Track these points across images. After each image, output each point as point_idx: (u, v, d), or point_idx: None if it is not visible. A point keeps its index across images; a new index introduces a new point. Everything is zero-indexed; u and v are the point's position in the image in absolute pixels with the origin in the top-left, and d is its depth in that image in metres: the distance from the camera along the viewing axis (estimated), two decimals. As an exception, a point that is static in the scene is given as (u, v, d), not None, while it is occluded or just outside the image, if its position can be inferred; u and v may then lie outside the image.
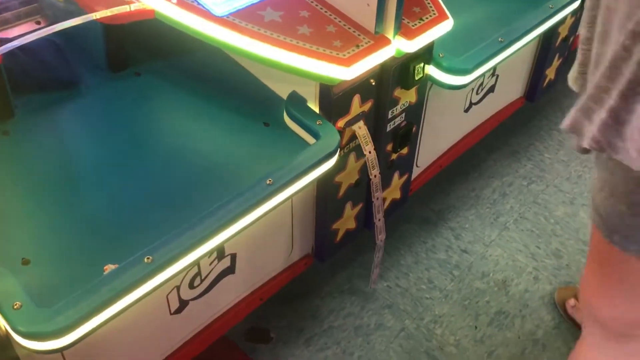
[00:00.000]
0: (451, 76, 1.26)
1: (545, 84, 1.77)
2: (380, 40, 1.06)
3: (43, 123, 1.06)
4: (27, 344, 0.76)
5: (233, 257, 1.16)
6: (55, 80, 1.13)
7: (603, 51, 0.63)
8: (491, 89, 1.63)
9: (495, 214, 1.71)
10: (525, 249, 1.61)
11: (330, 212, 1.29)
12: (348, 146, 1.20)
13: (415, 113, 1.32)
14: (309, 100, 1.11)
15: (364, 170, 1.29)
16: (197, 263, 1.07)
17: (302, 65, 1.01)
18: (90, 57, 1.17)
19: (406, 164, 1.43)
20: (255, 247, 1.20)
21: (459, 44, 1.29)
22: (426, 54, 1.20)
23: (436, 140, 1.54)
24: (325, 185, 1.23)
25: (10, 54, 1.02)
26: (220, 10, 1.04)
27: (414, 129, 1.34)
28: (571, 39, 1.74)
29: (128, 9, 1.04)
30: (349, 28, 1.07)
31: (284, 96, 1.13)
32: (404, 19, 1.10)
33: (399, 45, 1.09)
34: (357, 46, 1.04)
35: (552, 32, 1.59)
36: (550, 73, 1.76)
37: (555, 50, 1.70)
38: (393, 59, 1.12)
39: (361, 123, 1.16)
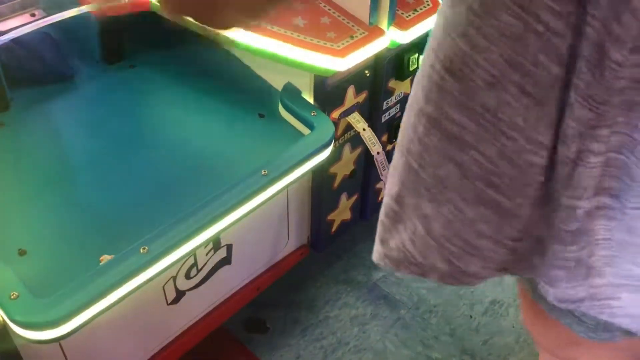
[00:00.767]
0: (445, 67, 1.27)
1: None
2: (374, 32, 1.07)
3: (38, 115, 1.06)
4: (24, 334, 0.77)
5: (229, 247, 1.16)
6: (50, 73, 1.13)
7: None
8: (486, 80, 1.63)
9: (490, 205, 1.72)
10: (520, 239, 1.62)
11: (326, 203, 1.30)
12: (343, 137, 1.21)
13: (409, 104, 1.32)
14: (303, 91, 1.12)
15: (359, 162, 1.30)
16: (193, 254, 1.07)
17: (297, 56, 1.01)
18: (85, 49, 1.17)
19: (401, 155, 1.43)
20: (251, 238, 1.21)
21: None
22: (420, 45, 1.21)
23: (431, 131, 1.54)
24: (320, 176, 1.23)
25: (5, 47, 1.03)
26: (214, 2, 1.04)
27: (408, 120, 1.35)
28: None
29: (123, 1, 1.04)
30: (343, 19, 1.07)
31: (279, 87, 1.13)
32: (398, 10, 1.10)
33: (393, 36, 1.10)
34: (351, 37, 1.05)
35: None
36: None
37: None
38: (387, 50, 1.13)
39: (365, 125, 1.16)
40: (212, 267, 1.15)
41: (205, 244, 0.94)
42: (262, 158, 1.01)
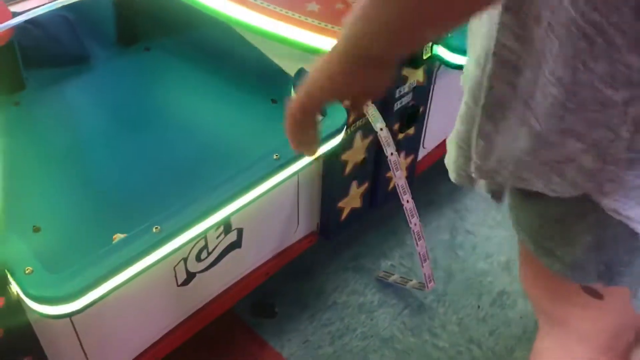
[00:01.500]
0: (459, 56, 1.26)
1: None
2: (388, 18, 1.07)
3: (53, 95, 1.08)
4: (37, 308, 0.78)
5: (239, 231, 1.17)
6: (65, 54, 1.14)
7: None
8: (499, 72, 1.63)
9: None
10: (530, 231, 1.62)
11: (336, 190, 1.31)
12: (355, 125, 1.21)
13: (423, 93, 1.32)
14: (316, 77, 1.12)
15: (370, 149, 1.30)
16: (204, 236, 1.09)
17: (310, 41, 1.02)
18: (101, 31, 1.18)
19: (412, 145, 1.44)
20: (261, 223, 1.22)
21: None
22: (434, 34, 1.21)
23: (443, 121, 1.54)
24: (331, 162, 1.24)
25: (22, 27, 1.04)
26: (229, -14, 1.05)
27: (421, 109, 1.35)
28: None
29: (139, -17, 1.05)
30: (358, 5, 1.07)
31: (292, 73, 1.14)
32: (412, -3, 1.10)
33: (408, 24, 1.10)
34: (366, 23, 1.05)
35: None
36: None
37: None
38: (401, 37, 1.13)
39: (383, 124, 1.16)
40: (223, 251, 1.16)
41: (216, 226, 0.95)
42: (274, 143, 1.02)
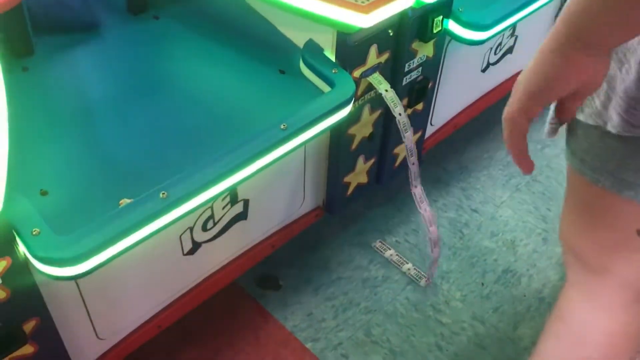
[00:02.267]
0: (470, 31, 1.25)
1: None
2: (399, -11, 1.06)
3: (62, 61, 1.07)
4: (44, 269, 0.79)
5: (246, 202, 1.17)
6: (75, 20, 1.14)
7: None
8: (509, 50, 1.61)
9: (508, 176, 1.71)
10: (536, 211, 1.62)
11: (342, 165, 1.30)
12: (363, 98, 1.21)
13: (432, 68, 1.32)
14: (325, 49, 1.11)
15: (378, 124, 1.30)
16: (211, 204, 1.09)
17: (320, 11, 1.01)
18: (110, -1, 1.17)
19: (420, 121, 1.43)
20: (267, 195, 1.22)
21: (479, -1, 1.28)
22: (445, 7, 1.19)
23: (452, 98, 1.53)
24: (338, 136, 1.23)
25: (31, -7, 1.04)
26: (240, -46, 1.04)
27: (430, 84, 1.34)
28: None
29: (149, -50, 1.04)
30: (369, -24, 1.06)
31: (301, 44, 1.13)
32: (424, -31, 1.09)
33: (419, -5, 1.09)
34: (376, -6, 1.03)
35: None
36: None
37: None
38: (412, 9, 1.12)
39: (387, 86, 1.15)
40: (229, 221, 1.17)
41: (223, 194, 0.95)
42: (282, 113, 1.01)
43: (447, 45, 1.34)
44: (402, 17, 1.13)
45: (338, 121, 1.07)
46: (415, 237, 1.54)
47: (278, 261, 1.44)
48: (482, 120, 1.80)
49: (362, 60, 1.13)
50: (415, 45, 1.21)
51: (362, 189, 1.41)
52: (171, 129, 1.00)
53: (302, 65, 1.11)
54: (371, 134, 1.30)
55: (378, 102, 1.24)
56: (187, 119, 1.02)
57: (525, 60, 0.59)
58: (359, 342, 1.33)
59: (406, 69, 1.24)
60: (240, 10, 1.19)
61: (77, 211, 0.86)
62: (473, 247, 1.53)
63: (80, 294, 0.97)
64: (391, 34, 1.14)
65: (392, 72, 1.22)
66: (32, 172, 0.90)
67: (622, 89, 0.63)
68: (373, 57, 1.15)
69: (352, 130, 1.24)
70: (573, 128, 0.76)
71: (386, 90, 1.16)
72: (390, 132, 1.34)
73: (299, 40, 1.14)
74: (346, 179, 1.34)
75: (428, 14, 1.16)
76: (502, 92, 1.68)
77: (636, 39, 0.60)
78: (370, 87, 1.19)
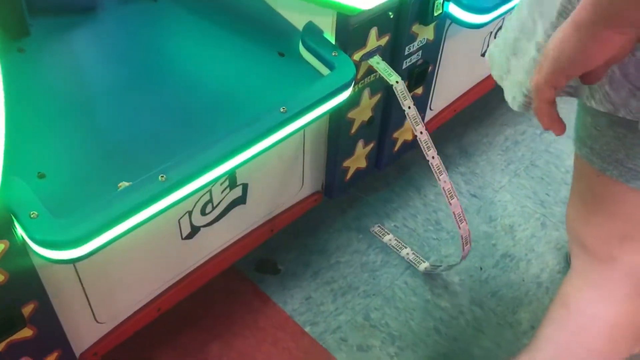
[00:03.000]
0: (470, 14, 1.24)
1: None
2: (400, -29, 1.05)
3: (59, 43, 1.06)
4: (42, 252, 0.78)
5: (245, 187, 1.17)
6: (72, 2, 1.12)
7: None
8: (510, 34, 1.60)
9: (507, 161, 1.71)
10: (535, 196, 1.62)
11: (342, 149, 1.30)
12: (363, 81, 1.20)
13: (432, 51, 1.31)
14: (325, 31, 1.10)
15: (377, 108, 1.29)
16: (209, 189, 1.08)
17: (320, -7, 1.00)
18: (107, -20, 1.16)
19: (420, 105, 1.42)
20: (266, 179, 1.22)
21: (480, -19, 1.27)
22: (446, -10, 1.18)
23: (451, 83, 1.53)
24: (337, 120, 1.23)
25: (27, -28, 1.02)
26: None
27: (430, 68, 1.33)
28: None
29: None
30: (370, -43, 1.05)
31: (300, 27, 1.12)
32: (425, -50, 1.08)
33: (420, -23, 1.08)
34: (377, -25, 1.02)
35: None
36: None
37: None
38: (413, -8, 1.11)
39: (398, 77, 1.13)
40: (227, 205, 1.16)
41: (222, 177, 0.94)
42: (281, 96, 1.01)
43: (448, 28, 1.33)
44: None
45: (338, 104, 1.06)
46: (414, 222, 1.54)
47: (277, 245, 1.44)
48: (482, 105, 1.79)
49: (362, 43, 1.12)
50: (415, 28, 1.20)
51: (361, 173, 1.41)
52: (170, 111, 0.99)
53: (301, 48, 1.10)
54: (370, 119, 1.30)
55: (378, 86, 1.24)
56: (186, 102, 1.01)
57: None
58: (357, 325, 1.33)
59: (406, 52, 1.23)
60: (239, -9, 1.18)
61: (75, 194, 0.85)
62: (472, 232, 1.52)
63: (79, 277, 0.97)
64: (391, 17, 1.13)
65: (392, 55, 1.21)
66: (30, 155, 0.89)
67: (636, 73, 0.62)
68: (373, 40, 1.14)
69: (351, 115, 1.23)
70: (582, 115, 0.75)
71: (397, 82, 1.15)
72: (389, 116, 1.33)
73: (299, 22, 1.13)
74: (345, 164, 1.33)
75: (429, -3, 1.15)
76: (501, 76, 1.67)
77: None
78: (370, 71, 1.18)
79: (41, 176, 0.87)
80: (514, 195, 1.62)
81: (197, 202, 1.09)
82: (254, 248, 1.28)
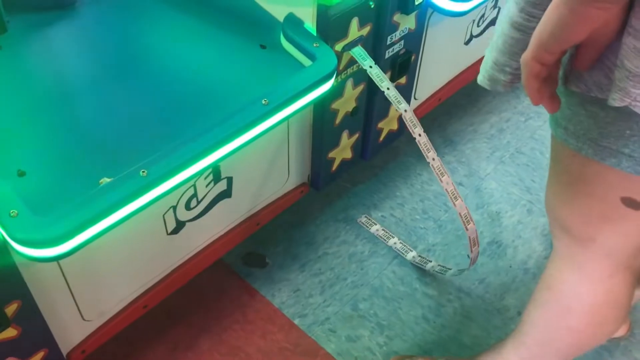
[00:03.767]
0: (451, 2, 1.24)
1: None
2: (379, -40, 1.04)
3: (37, 39, 1.05)
4: (23, 251, 0.78)
5: (229, 180, 1.16)
6: (49, -3, 1.11)
7: None
8: (492, 22, 1.60)
9: (492, 149, 1.71)
10: (520, 183, 1.63)
11: (327, 141, 1.30)
12: (345, 72, 1.19)
13: (414, 41, 1.30)
14: (306, 22, 1.10)
15: (361, 98, 1.29)
16: (193, 182, 1.08)
17: (300, -17, 0.99)
18: (85, -26, 1.14)
19: (404, 95, 1.41)
20: (251, 172, 1.21)
21: (460, -31, 1.27)
22: (427, -22, 1.18)
23: (435, 72, 1.52)
24: (321, 112, 1.22)
25: (3, -32, 1.01)
26: None
27: (413, 57, 1.33)
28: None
29: None
30: (348, -54, 1.04)
31: (281, 18, 1.11)
32: (405, -62, 1.07)
33: (399, -34, 1.07)
34: (356, -35, 1.02)
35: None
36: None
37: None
38: (393, -20, 1.10)
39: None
40: (212, 199, 1.16)
41: (205, 170, 0.94)
42: (263, 88, 1.00)
43: (430, 17, 1.33)
44: (383, -12, 1.12)
45: (320, 95, 1.06)
46: (401, 211, 1.54)
47: (264, 238, 1.44)
48: (466, 93, 1.79)
49: (344, 34, 1.12)
50: (396, 17, 1.19)
51: (347, 164, 1.41)
52: (151, 106, 0.98)
53: (283, 40, 1.09)
54: (354, 109, 1.29)
55: (361, 76, 1.23)
56: (167, 96, 1.00)
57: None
58: (346, 316, 1.33)
59: (388, 42, 1.23)
60: (218, -16, 1.17)
61: (56, 191, 0.84)
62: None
63: (64, 275, 0.96)
64: (372, 6, 1.13)
65: (374, 45, 1.21)
66: (9, 152, 0.88)
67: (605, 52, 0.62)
68: (354, 30, 1.13)
69: (335, 105, 1.23)
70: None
71: (370, 67, 1.15)
72: (373, 106, 1.33)
73: (279, 14, 1.12)
74: (331, 155, 1.33)
75: (409, -15, 1.15)
76: (485, 64, 1.67)
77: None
78: (352, 61, 1.18)
79: (21, 174, 0.86)
80: (499, 183, 1.63)
81: (181, 196, 1.08)
82: (240, 242, 1.28)
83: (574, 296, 0.90)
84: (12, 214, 0.77)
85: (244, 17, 1.15)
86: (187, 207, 1.11)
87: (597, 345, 1.11)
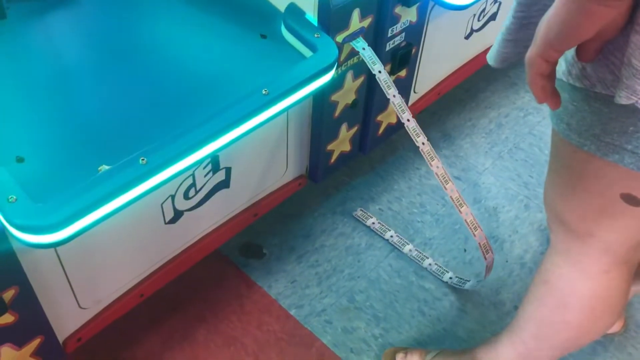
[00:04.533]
0: (453, -4, 1.24)
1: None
2: (382, -49, 1.04)
3: (37, 26, 1.04)
4: (21, 237, 0.77)
5: (228, 170, 1.16)
6: (48, -16, 1.10)
7: None
8: (493, 17, 1.60)
9: (490, 144, 1.71)
10: (518, 178, 1.63)
11: (326, 132, 1.29)
12: (346, 64, 1.19)
13: (415, 33, 1.30)
14: (307, 13, 1.10)
15: (360, 91, 1.29)
16: (192, 172, 1.08)
17: (302, -27, 0.99)
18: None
19: (404, 88, 1.42)
20: (250, 163, 1.21)
21: (462, -37, 1.26)
22: (429, -29, 1.18)
23: (435, 66, 1.52)
24: (321, 103, 1.22)
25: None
26: None
27: (413, 50, 1.33)
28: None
29: None
30: (351, -63, 1.04)
31: (282, 8, 1.11)
32: None
33: (402, -43, 1.07)
34: (359, -44, 1.02)
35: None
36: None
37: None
38: (395, -28, 1.10)
39: (381, 66, 1.12)
40: (211, 189, 1.16)
41: (204, 160, 0.94)
42: (263, 78, 1.00)
43: (431, 10, 1.32)
44: (385, -20, 1.11)
45: (320, 86, 1.06)
46: (399, 205, 1.54)
47: (261, 229, 1.44)
48: (466, 87, 1.79)
49: (345, 25, 1.12)
50: (398, 9, 1.19)
51: (346, 157, 1.40)
52: (151, 94, 0.98)
53: (283, 30, 1.09)
54: (354, 101, 1.29)
55: (361, 68, 1.23)
56: (167, 85, 1.00)
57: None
58: (342, 308, 1.34)
59: (389, 34, 1.23)
60: (219, -27, 1.16)
61: (55, 178, 0.84)
62: (456, 214, 1.53)
63: (61, 262, 0.96)
64: (374, -2, 1.12)
65: (375, 37, 1.21)
66: (8, 138, 0.88)
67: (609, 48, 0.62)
68: (356, 22, 1.13)
69: (334, 97, 1.23)
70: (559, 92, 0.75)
71: (379, 72, 1.15)
72: (373, 99, 1.33)
73: (281, 4, 1.12)
74: (329, 147, 1.33)
75: (411, -23, 1.15)
76: (485, 59, 1.67)
77: None
78: (352, 53, 1.18)
79: (20, 160, 0.85)
80: (497, 178, 1.63)
81: (179, 185, 1.08)
82: (238, 232, 1.28)
83: (570, 291, 0.91)
84: (10, 200, 0.76)
85: (244, 7, 1.14)
86: (186, 196, 1.11)
87: (592, 340, 1.11)
